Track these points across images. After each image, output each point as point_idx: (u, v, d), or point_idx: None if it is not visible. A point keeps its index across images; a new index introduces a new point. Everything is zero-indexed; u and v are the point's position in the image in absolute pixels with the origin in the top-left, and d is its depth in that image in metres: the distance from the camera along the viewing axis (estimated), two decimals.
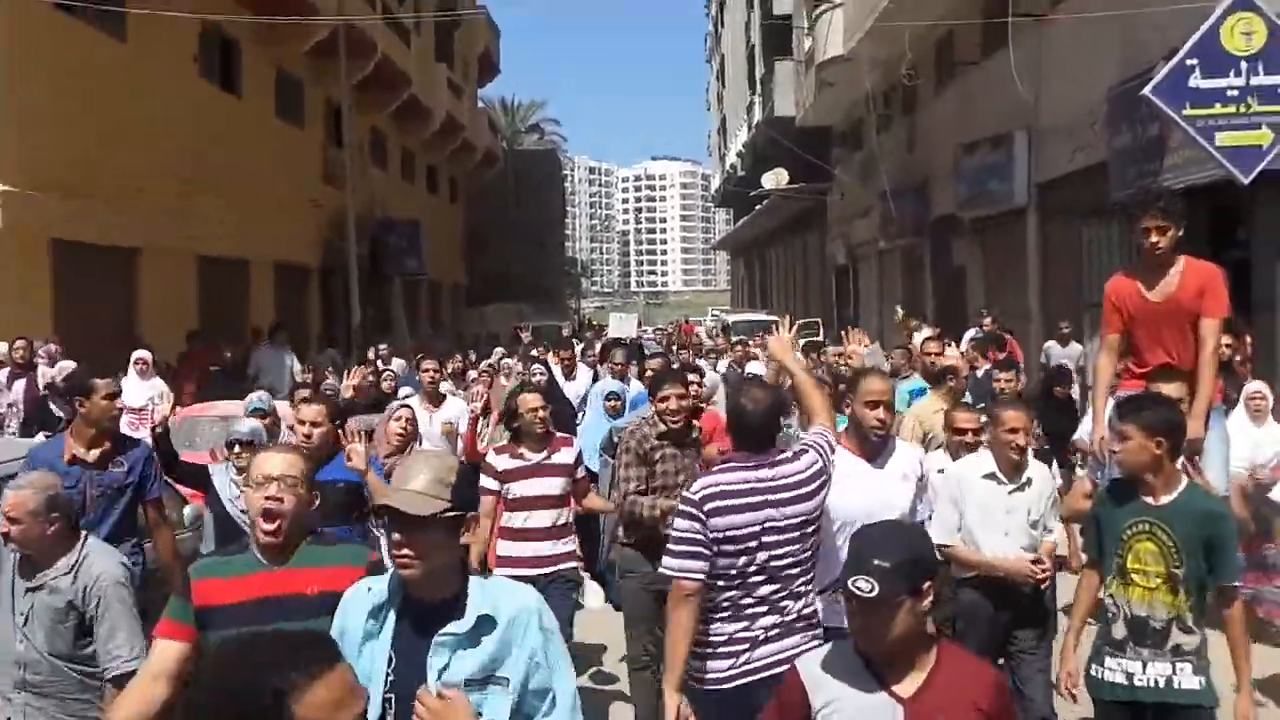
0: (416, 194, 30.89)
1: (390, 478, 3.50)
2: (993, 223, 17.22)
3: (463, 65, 34.05)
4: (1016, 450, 4.40)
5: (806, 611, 3.56)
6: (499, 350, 14.36)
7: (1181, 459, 3.80)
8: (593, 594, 5.35)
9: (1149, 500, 3.54)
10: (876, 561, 2.31)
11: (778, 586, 3.48)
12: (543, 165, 48.37)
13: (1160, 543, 3.49)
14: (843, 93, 23.23)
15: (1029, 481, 4.44)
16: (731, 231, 56.76)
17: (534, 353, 10.72)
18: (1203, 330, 4.73)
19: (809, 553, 3.55)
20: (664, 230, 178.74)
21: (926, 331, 11.95)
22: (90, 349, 10.68)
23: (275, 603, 2.67)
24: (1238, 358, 7.32)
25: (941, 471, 4.69)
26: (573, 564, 5.22)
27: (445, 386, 9.06)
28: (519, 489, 5.11)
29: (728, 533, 3.43)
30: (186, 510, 5.87)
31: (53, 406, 8.92)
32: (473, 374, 11.35)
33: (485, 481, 5.16)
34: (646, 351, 13.50)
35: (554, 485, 5.16)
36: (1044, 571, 4.33)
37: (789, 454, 3.65)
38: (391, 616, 2.38)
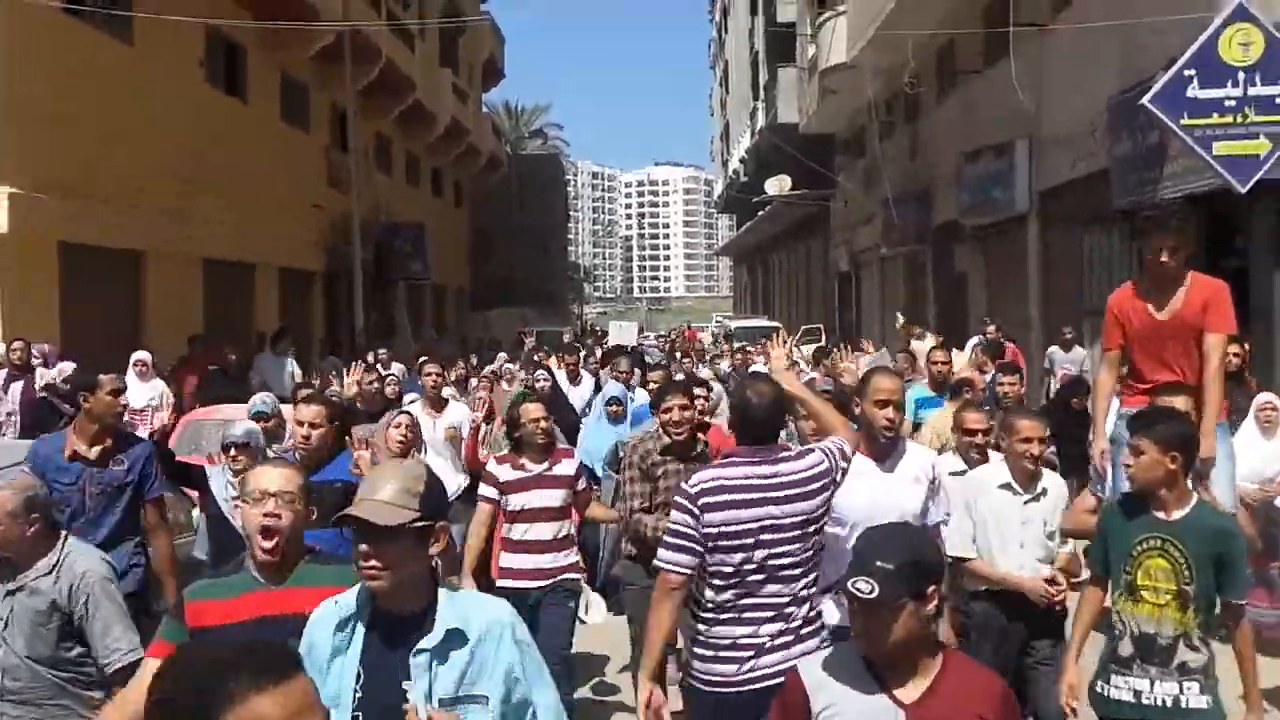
0: (421, 198, 30.97)
1: None
2: (994, 230, 17.29)
3: (467, 70, 34.16)
4: (1031, 460, 4.35)
5: (812, 616, 3.50)
6: (502, 355, 14.44)
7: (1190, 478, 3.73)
8: (595, 607, 5.32)
9: (1161, 516, 3.49)
10: (879, 563, 2.30)
11: (779, 588, 3.42)
12: (546, 170, 48.44)
13: (1172, 559, 3.44)
14: (846, 100, 23.30)
15: (1044, 491, 4.38)
16: (734, 237, 56.78)
17: (536, 358, 10.75)
18: (1207, 346, 4.61)
19: (811, 553, 3.49)
20: (667, 236, 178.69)
21: (930, 340, 12.02)
22: (96, 352, 10.71)
23: (273, 622, 2.60)
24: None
25: (957, 474, 4.64)
26: (574, 576, 5.17)
27: (447, 392, 9.07)
28: (520, 501, 5.04)
29: (724, 528, 3.38)
30: (195, 513, 5.83)
31: (55, 403, 8.90)
32: (474, 381, 11.37)
33: (484, 490, 5.12)
34: (648, 359, 13.52)
35: (555, 497, 5.09)
36: (1059, 593, 4.27)
37: (793, 452, 3.60)
38: (360, 630, 2.34)
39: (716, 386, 9.15)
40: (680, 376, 8.26)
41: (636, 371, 9.48)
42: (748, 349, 15.56)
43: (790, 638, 3.41)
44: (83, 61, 13.33)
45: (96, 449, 4.94)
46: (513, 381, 10.06)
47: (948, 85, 19.46)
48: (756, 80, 38.98)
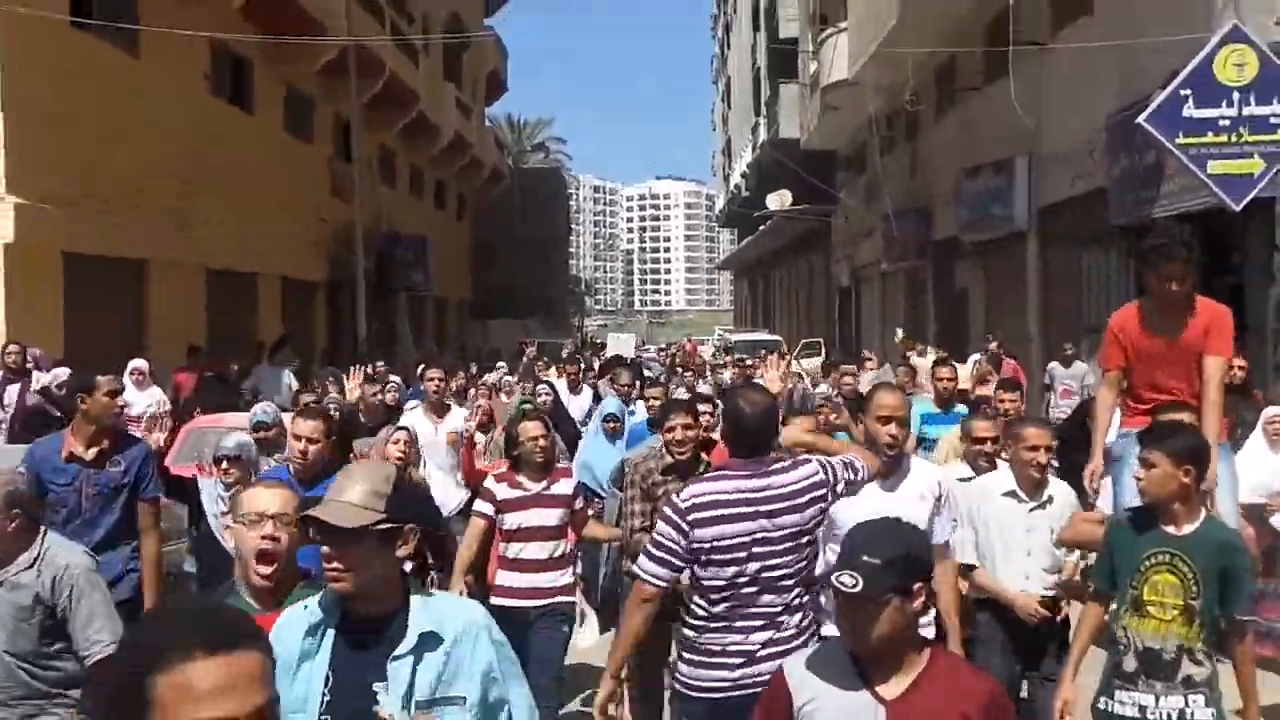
0: (424, 210, 31.11)
1: None
2: (994, 246, 17.37)
3: (471, 84, 34.36)
4: (1038, 468, 4.35)
5: (805, 624, 3.49)
6: (501, 367, 14.46)
7: None
8: (589, 627, 5.28)
9: (1170, 530, 3.46)
10: (865, 558, 2.28)
11: (773, 598, 3.41)
12: (548, 182, 48.67)
13: (1180, 574, 3.42)
14: (847, 116, 23.44)
15: (1050, 500, 4.37)
16: (735, 251, 56.94)
17: (536, 368, 10.77)
18: (1207, 368, 4.59)
19: (804, 563, 3.48)
20: (668, 249, 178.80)
21: (933, 355, 12.09)
22: (99, 361, 10.72)
23: None
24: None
25: (965, 480, 4.63)
26: (570, 598, 5.10)
27: (447, 401, 9.10)
28: (516, 519, 4.99)
29: (715, 543, 3.38)
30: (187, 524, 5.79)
31: (48, 408, 8.89)
32: (473, 391, 11.39)
33: (480, 505, 5.08)
34: (646, 372, 13.50)
35: (552, 516, 5.03)
36: (1044, 617, 4.26)
37: (785, 463, 3.58)
38: (330, 635, 2.31)
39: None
40: (681, 392, 8.19)
41: (637, 384, 9.46)
42: (746, 362, 15.55)
43: (781, 647, 3.38)
44: (88, 74, 13.43)
45: (93, 450, 4.92)
46: (511, 394, 10.07)
47: (948, 102, 19.57)
48: (758, 96, 39.14)
